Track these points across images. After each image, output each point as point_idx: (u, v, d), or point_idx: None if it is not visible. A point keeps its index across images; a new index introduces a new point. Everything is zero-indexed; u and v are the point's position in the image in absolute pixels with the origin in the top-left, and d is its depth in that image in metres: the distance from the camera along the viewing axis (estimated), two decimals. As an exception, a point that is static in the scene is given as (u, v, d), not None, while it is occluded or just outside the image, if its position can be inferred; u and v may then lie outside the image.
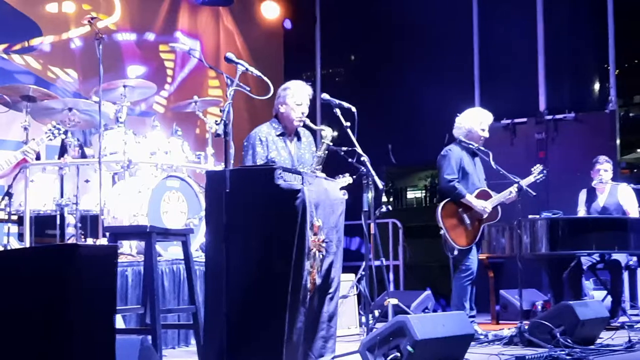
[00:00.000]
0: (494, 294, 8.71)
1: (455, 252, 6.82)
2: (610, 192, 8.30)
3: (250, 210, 4.29)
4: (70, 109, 6.84)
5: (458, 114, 7.18)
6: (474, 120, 7.05)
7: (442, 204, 6.88)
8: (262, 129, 5.76)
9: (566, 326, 5.90)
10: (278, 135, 5.70)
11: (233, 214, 4.17)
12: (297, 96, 5.68)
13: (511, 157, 9.56)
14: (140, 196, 6.65)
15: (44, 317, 2.90)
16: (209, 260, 4.40)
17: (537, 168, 7.30)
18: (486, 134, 7.07)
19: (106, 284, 3.09)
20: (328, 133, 5.48)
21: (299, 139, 5.80)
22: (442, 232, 6.84)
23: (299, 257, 4.29)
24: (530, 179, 7.14)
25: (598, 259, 8.02)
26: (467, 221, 6.90)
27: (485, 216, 6.95)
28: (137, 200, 6.65)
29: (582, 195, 8.43)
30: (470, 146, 7.00)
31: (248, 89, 4.79)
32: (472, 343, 5.55)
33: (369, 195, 6.20)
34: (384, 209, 7.42)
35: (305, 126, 5.79)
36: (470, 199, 6.89)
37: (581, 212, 8.38)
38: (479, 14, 11.47)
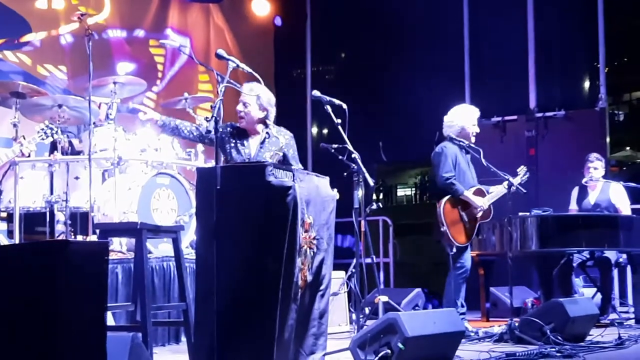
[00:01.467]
0: (484, 291, 8.72)
1: (454, 250, 6.80)
2: (602, 190, 8.32)
3: (241, 207, 4.27)
4: (60, 106, 6.80)
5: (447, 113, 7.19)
6: (467, 118, 7.07)
7: (443, 200, 6.84)
8: (232, 124, 5.90)
9: (556, 323, 5.91)
10: (235, 134, 5.77)
11: (224, 211, 4.16)
12: None
13: (501, 154, 9.58)
14: (130, 193, 6.64)
15: (34, 313, 2.89)
16: (200, 258, 4.39)
17: (522, 169, 7.32)
18: (477, 129, 7.10)
19: (97, 281, 3.08)
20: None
21: (263, 141, 5.81)
22: (443, 228, 6.80)
23: (290, 254, 4.28)
24: (517, 180, 7.14)
25: (588, 256, 8.04)
26: (465, 219, 6.92)
27: (480, 214, 6.97)
28: (127, 197, 6.63)
29: (574, 193, 8.45)
30: (462, 143, 7.01)
31: (239, 85, 4.80)
32: (463, 340, 5.55)
33: (360, 193, 6.20)
34: (374, 206, 7.42)
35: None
36: (469, 195, 6.91)
37: (573, 209, 8.40)
38: (470, 12, 11.50)
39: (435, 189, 7.01)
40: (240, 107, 5.73)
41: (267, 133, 5.81)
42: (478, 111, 7.21)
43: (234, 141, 5.77)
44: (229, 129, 5.82)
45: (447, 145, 7.00)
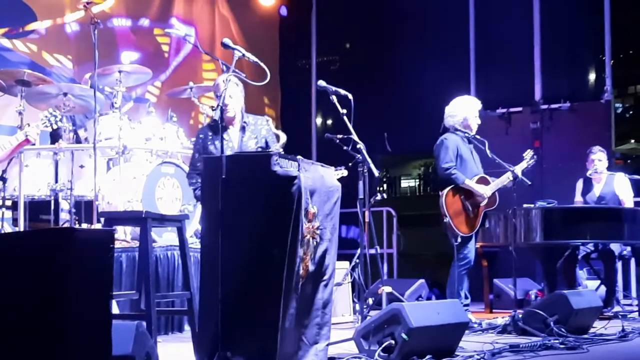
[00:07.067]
0: (488, 282, 8.73)
1: (459, 240, 6.79)
2: (607, 182, 8.31)
3: (246, 197, 4.27)
4: (65, 94, 6.81)
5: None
6: (469, 109, 7.07)
7: (445, 191, 6.83)
8: (204, 128, 5.82)
9: (560, 315, 5.92)
10: (216, 129, 5.65)
11: (229, 200, 4.17)
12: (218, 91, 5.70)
13: (506, 146, 9.53)
14: (135, 182, 6.64)
15: (40, 300, 2.89)
16: (205, 247, 4.39)
17: (528, 153, 7.29)
18: (479, 121, 7.10)
19: (103, 268, 3.08)
20: (282, 140, 5.38)
21: (243, 129, 5.75)
22: (446, 219, 6.78)
23: (292, 244, 4.28)
24: (523, 164, 7.13)
25: (592, 248, 8.03)
26: (469, 208, 6.90)
27: (484, 202, 6.94)
28: (132, 186, 6.64)
29: (579, 185, 8.43)
30: (466, 134, 7.00)
31: (244, 75, 4.79)
32: (466, 331, 5.55)
33: (364, 183, 6.19)
34: (378, 196, 7.40)
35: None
36: (470, 183, 6.89)
37: (578, 201, 8.39)
38: (475, 3, 11.47)
39: (438, 180, 7.01)
40: (227, 100, 5.61)
41: (244, 122, 5.74)
42: (480, 103, 7.21)
43: (216, 137, 5.64)
44: (198, 135, 5.74)
45: (447, 137, 7.00)
